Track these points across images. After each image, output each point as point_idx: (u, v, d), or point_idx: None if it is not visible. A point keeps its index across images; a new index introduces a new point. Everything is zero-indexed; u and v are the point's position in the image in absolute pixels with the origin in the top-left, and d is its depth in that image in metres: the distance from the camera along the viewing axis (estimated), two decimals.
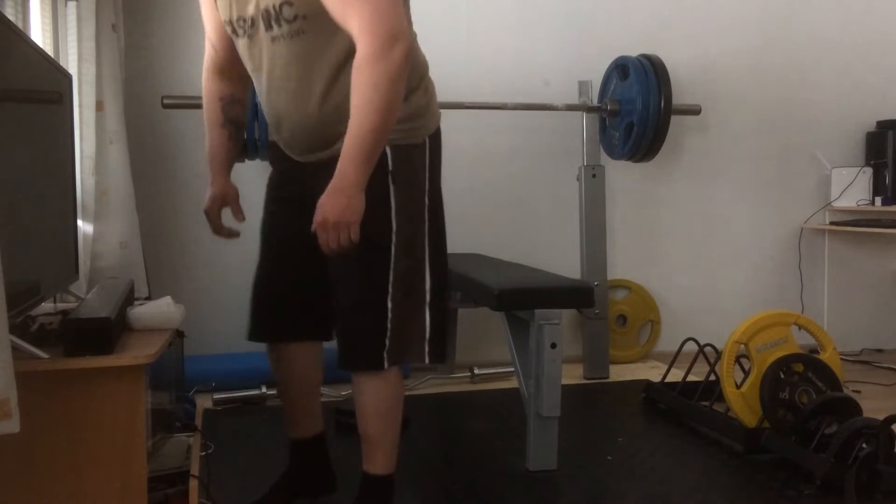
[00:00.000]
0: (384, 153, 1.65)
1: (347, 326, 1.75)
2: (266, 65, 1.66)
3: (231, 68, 1.86)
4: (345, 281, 1.72)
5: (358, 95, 1.46)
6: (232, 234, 1.94)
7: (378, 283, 1.69)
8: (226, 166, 1.94)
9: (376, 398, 1.77)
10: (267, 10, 1.59)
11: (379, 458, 1.80)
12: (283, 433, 2.73)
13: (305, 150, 1.74)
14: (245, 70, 1.78)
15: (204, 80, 1.92)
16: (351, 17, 1.46)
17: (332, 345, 3.26)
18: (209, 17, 1.84)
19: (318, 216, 1.51)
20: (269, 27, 1.60)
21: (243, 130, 1.98)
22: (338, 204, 1.49)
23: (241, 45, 1.71)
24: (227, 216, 1.94)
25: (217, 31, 1.83)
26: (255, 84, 1.78)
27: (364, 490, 1.82)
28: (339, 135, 1.55)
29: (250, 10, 1.63)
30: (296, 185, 1.83)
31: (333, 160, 1.53)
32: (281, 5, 1.55)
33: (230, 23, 1.71)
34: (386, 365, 1.72)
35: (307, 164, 1.76)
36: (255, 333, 1.96)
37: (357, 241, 1.53)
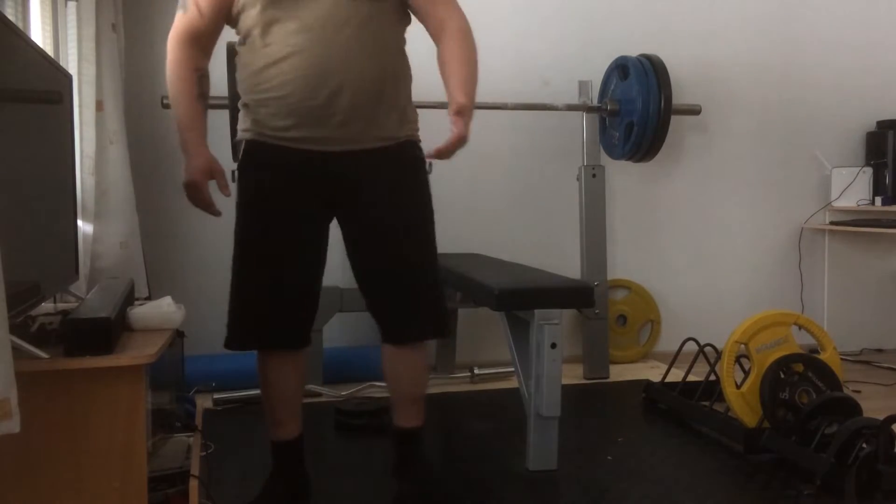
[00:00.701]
0: (419, 147, 1.94)
1: (421, 300, 1.92)
2: (332, 22, 1.73)
3: (208, 39, 1.85)
4: (414, 260, 1.91)
5: (463, 51, 1.79)
6: (216, 211, 1.85)
7: (435, 260, 1.95)
8: (205, 138, 1.85)
9: (425, 362, 2.02)
10: None
11: (422, 412, 2.04)
12: None
13: (362, 128, 1.81)
14: (210, 54, 1.84)
15: (174, 46, 1.82)
16: (439, 3, 1.82)
17: (332, 345, 3.26)
18: None
19: (460, 101, 1.73)
20: None
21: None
22: (471, 104, 1.75)
23: (286, 4, 1.72)
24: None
25: (218, 2, 1.79)
26: (282, 48, 1.74)
27: (418, 440, 2.05)
28: (393, 119, 1.84)
29: None
30: (317, 186, 1.86)
31: (391, 149, 1.82)
32: None
33: None
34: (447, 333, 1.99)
35: (349, 153, 1.83)
36: (257, 340, 1.96)
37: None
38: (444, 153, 1.72)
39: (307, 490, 2.06)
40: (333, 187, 1.87)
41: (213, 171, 1.81)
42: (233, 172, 1.93)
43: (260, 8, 1.75)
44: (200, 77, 1.84)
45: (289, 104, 1.77)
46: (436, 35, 1.84)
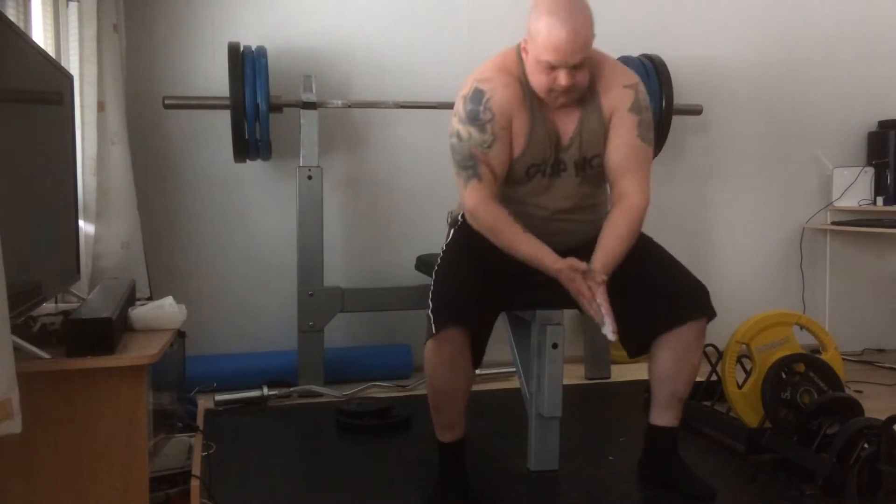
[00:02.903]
0: None
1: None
2: (563, 194, 2.09)
3: (499, 194, 2.05)
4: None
5: (628, 225, 2.04)
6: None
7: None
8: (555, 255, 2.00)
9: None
10: (583, 158, 2.06)
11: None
12: (284, 433, 2.74)
13: (569, 247, 2.07)
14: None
15: (486, 212, 2.02)
16: (632, 178, 2.06)
17: (333, 345, 3.26)
18: (505, 151, 2.01)
19: (595, 268, 1.94)
20: (581, 170, 2.08)
21: None
22: (603, 275, 1.94)
23: (535, 180, 2.07)
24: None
25: (505, 164, 2.02)
26: (526, 206, 2.08)
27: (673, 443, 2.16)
28: (595, 233, 2.08)
29: (565, 157, 2.05)
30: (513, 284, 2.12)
31: (585, 245, 2.04)
32: (593, 157, 2.07)
33: (539, 165, 2.05)
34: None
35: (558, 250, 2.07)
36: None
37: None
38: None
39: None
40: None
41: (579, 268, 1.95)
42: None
43: (502, 184, 2.06)
44: (514, 215, 2.03)
45: None
46: (614, 202, 2.09)
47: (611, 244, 2.01)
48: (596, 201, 2.17)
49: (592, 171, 2.10)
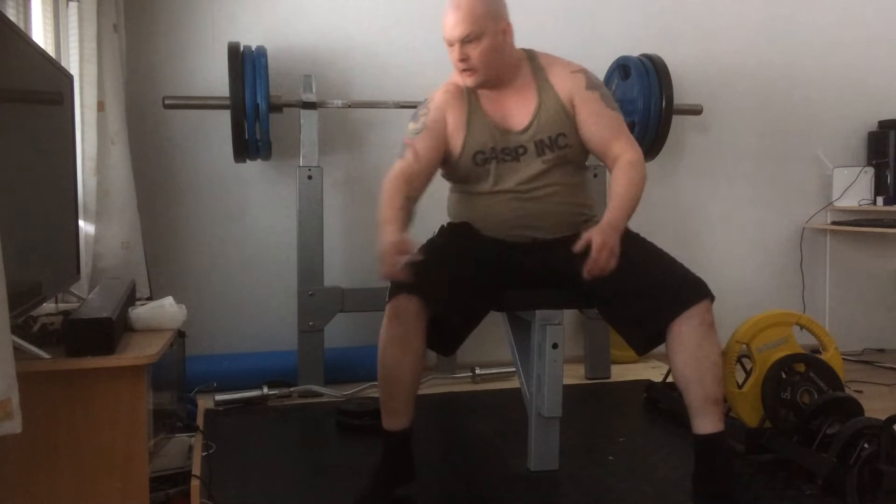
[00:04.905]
0: None
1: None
2: (526, 180, 2.14)
3: (420, 181, 2.11)
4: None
5: (628, 178, 2.09)
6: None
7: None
8: (402, 230, 1.98)
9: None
10: (542, 141, 2.13)
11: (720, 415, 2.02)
12: (284, 433, 2.74)
13: (549, 234, 2.18)
14: (421, 195, 2.10)
15: (387, 186, 2.05)
16: (618, 141, 2.13)
17: (333, 345, 3.27)
18: (433, 139, 2.14)
19: (597, 238, 1.90)
20: (540, 153, 2.14)
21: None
22: (613, 236, 1.93)
23: (491, 167, 2.15)
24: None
25: (432, 150, 2.13)
26: (490, 202, 2.17)
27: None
28: (578, 222, 2.18)
29: (522, 140, 2.14)
30: (497, 277, 2.16)
31: (575, 237, 1.97)
32: (557, 136, 2.13)
33: (486, 152, 2.14)
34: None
35: (540, 240, 2.18)
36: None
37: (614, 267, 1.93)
38: (593, 268, 1.91)
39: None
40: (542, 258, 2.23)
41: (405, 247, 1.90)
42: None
43: (459, 173, 2.19)
44: (405, 199, 2.04)
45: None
46: (611, 166, 2.16)
47: (616, 200, 2.06)
48: (572, 182, 2.21)
49: (561, 151, 2.15)
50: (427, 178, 2.15)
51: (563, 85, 2.16)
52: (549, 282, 2.17)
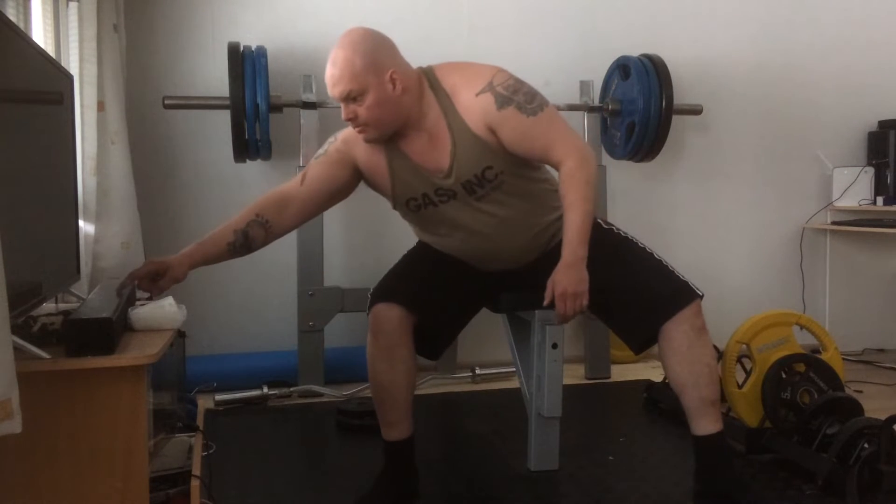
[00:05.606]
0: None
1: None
2: (469, 222, 2.02)
3: (297, 208, 2.02)
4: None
5: (574, 192, 1.88)
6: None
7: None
8: (197, 259, 2.04)
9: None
10: (468, 181, 1.96)
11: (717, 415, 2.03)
12: (284, 433, 2.74)
13: (513, 264, 2.11)
14: (293, 222, 2.04)
15: (258, 199, 2.02)
16: (554, 149, 1.92)
17: (333, 345, 3.26)
18: (329, 168, 2.04)
19: (557, 288, 1.83)
20: (471, 192, 1.98)
21: (242, 252, 2.06)
22: (574, 276, 1.83)
23: (428, 211, 2.02)
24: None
25: (322, 180, 2.03)
26: (444, 239, 2.09)
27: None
28: (543, 241, 2.08)
29: (448, 184, 1.97)
30: (479, 281, 2.14)
31: (541, 258, 1.98)
32: (483, 171, 1.95)
33: (419, 198, 2.00)
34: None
35: (510, 269, 2.12)
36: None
37: (587, 307, 1.87)
38: (561, 317, 1.88)
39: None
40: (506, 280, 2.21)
41: (168, 274, 1.96)
42: None
43: (401, 213, 2.08)
44: (255, 220, 2.00)
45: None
46: (557, 172, 1.98)
47: (570, 229, 1.88)
48: (520, 205, 2.04)
49: (493, 182, 1.97)
50: (308, 208, 2.03)
51: (473, 114, 1.92)
52: (533, 285, 2.12)
